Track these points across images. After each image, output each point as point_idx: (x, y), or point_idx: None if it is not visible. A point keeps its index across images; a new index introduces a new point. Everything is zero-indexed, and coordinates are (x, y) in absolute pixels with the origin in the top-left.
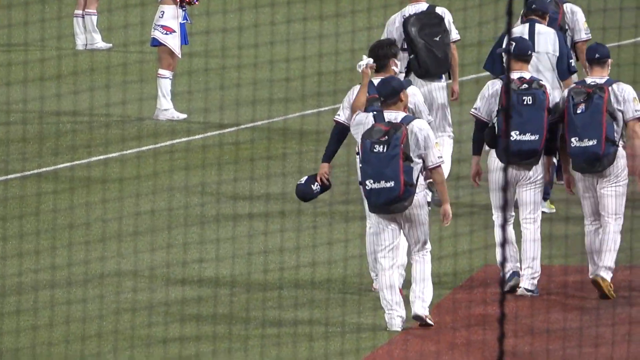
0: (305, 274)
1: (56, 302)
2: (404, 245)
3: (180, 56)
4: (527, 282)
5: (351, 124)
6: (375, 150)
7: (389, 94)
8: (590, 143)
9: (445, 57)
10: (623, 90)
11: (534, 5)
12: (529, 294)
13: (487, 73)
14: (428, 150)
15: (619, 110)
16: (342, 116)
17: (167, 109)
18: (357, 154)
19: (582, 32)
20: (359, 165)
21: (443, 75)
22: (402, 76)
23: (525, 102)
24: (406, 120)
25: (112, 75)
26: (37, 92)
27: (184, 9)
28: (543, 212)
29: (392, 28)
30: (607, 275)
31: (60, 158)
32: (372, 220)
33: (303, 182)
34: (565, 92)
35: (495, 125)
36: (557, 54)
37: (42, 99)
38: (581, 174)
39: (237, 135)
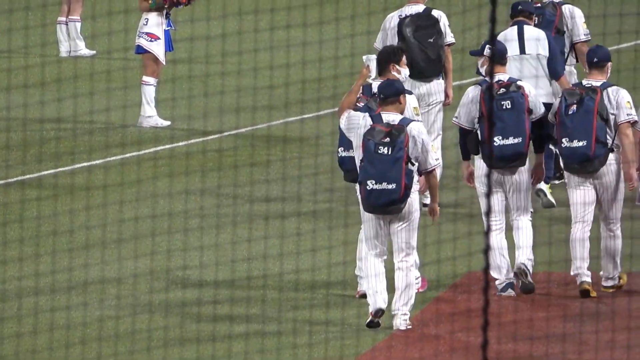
0: (289, 281)
1: (40, 309)
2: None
3: (165, 63)
4: (525, 261)
5: (342, 122)
6: (380, 151)
7: (391, 93)
8: (580, 144)
9: (438, 58)
10: (617, 94)
11: (519, 7)
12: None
13: (471, 79)
14: (426, 154)
15: (612, 114)
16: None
17: (150, 115)
18: (338, 153)
19: (581, 33)
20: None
21: (441, 75)
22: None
23: (504, 107)
24: (405, 123)
25: (95, 83)
26: (21, 99)
27: (167, 15)
28: (542, 190)
29: (388, 27)
30: (609, 283)
31: (44, 165)
32: (365, 217)
33: None
34: (560, 94)
35: (478, 131)
36: (547, 55)
37: (25, 106)
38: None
39: (221, 142)
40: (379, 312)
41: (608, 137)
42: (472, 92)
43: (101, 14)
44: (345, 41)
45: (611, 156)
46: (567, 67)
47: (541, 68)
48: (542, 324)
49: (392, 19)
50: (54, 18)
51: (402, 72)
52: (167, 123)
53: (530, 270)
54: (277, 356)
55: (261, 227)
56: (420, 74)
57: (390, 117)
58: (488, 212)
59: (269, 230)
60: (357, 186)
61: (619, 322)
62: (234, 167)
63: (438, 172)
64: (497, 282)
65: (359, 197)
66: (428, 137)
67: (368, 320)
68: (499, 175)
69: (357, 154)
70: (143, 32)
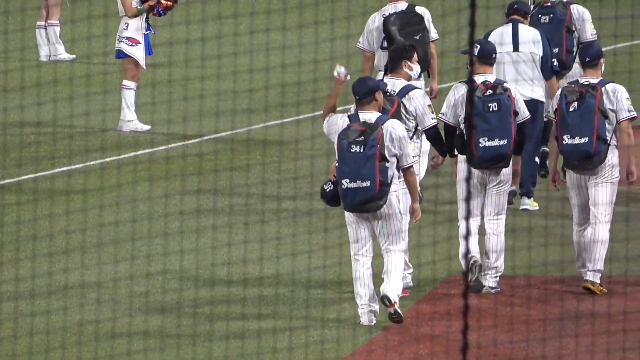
0: (269, 286)
1: (20, 313)
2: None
3: (145, 67)
4: (490, 281)
5: (324, 128)
6: (352, 150)
7: (364, 93)
8: (582, 141)
9: (424, 55)
10: (616, 91)
11: (515, 6)
12: (493, 291)
13: (450, 83)
14: (403, 150)
15: (612, 111)
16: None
17: (130, 120)
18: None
19: (588, 32)
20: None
21: (422, 74)
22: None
23: (490, 109)
24: (381, 121)
25: (75, 87)
26: (1, 104)
27: (146, 19)
28: (527, 210)
29: (372, 27)
30: (596, 279)
31: (24, 169)
32: (347, 218)
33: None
34: (559, 91)
35: (464, 131)
36: (541, 54)
37: (5, 110)
38: (573, 172)
39: (201, 146)
40: (385, 299)
41: (607, 133)
42: (460, 91)
43: (81, 18)
44: (325, 45)
45: (609, 150)
46: (575, 65)
47: (535, 67)
48: (522, 327)
49: (376, 19)
50: (33, 22)
51: (413, 69)
52: (147, 127)
53: (497, 275)
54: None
55: (241, 231)
56: None
57: (367, 115)
58: (467, 217)
59: (249, 234)
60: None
61: (599, 326)
62: (214, 171)
63: (423, 169)
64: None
65: None
66: (405, 134)
67: (388, 314)
68: (482, 175)
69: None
70: (123, 37)
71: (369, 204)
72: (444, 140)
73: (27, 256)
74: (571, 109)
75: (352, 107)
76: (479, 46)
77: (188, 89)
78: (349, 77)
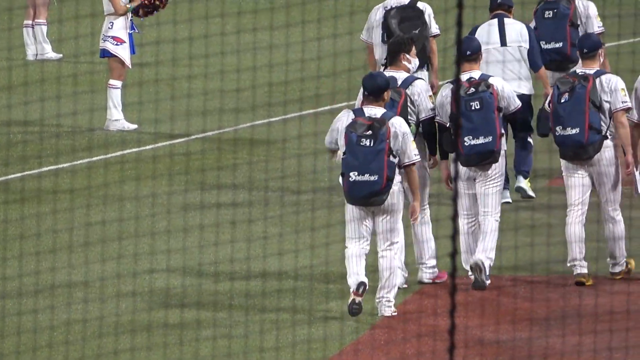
0: (256, 285)
1: (7, 312)
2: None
3: (130, 66)
4: (484, 258)
5: (326, 137)
6: (362, 143)
7: (374, 90)
8: (574, 131)
9: (423, 49)
10: (610, 81)
11: (498, 0)
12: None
13: (440, 82)
14: (406, 147)
15: (606, 101)
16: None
17: (117, 119)
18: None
19: (595, 24)
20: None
21: (424, 68)
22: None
23: (473, 107)
24: (387, 116)
25: (62, 86)
26: None
27: (130, 19)
28: (521, 189)
29: (373, 20)
30: (616, 269)
31: (11, 168)
32: (348, 210)
33: None
34: (554, 82)
35: (451, 130)
36: (528, 47)
37: None
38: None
39: (188, 145)
40: (361, 286)
41: (602, 124)
42: (445, 91)
43: (68, 17)
44: (312, 44)
45: (606, 143)
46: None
47: (523, 60)
48: (509, 327)
49: (378, 11)
50: (21, 22)
51: (412, 62)
52: (133, 126)
53: (487, 269)
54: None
55: (228, 230)
56: None
57: (373, 110)
58: (454, 217)
59: (236, 233)
60: (340, 179)
61: (586, 326)
62: (201, 171)
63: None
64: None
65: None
66: (409, 131)
67: (349, 302)
68: (472, 172)
69: (341, 149)
70: (109, 36)
71: (373, 197)
72: (437, 139)
73: (14, 255)
74: (562, 100)
75: (357, 102)
76: (463, 44)
77: (175, 88)
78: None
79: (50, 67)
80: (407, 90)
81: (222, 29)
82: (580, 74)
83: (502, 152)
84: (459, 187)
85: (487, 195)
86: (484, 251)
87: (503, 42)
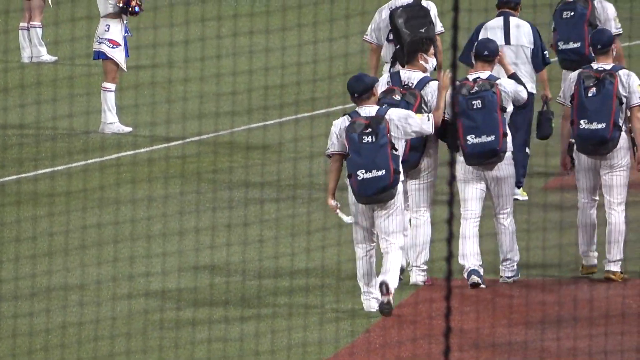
0: (251, 288)
1: (2, 315)
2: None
3: (125, 69)
4: (507, 271)
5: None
6: (364, 140)
7: (362, 90)
8: (600, 126)
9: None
10: (629, 77)
11: None
12: (510, 280)
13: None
14: (412, 121)
15: (624, 96)
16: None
17: (112, 122)
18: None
19: (613, 26)
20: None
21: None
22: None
23: (474, 107)
24: (382, 112)
25: (58, 89)
26: None
27: (125, 22)
28: (516, 199)
29: (380, 18)
30: (617, 268)
31: (7, 171)
32: (353, 210)
33: None
34: (575, 75)
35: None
36: (532, 47)
37: None
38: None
39: (184, 148)
40: (382, 286)
41: (621, 119)
42: (450, 91)
43: (64, 20)
44: (308, 48)
45: (621, 136)
46: None
47: (526, 59)
48: (504, 331)
49: (384, 11)
50: (17, 24)
51: (429, 61)
52: (128, 129)
53: (513, 265)
54: None
55: (223, 234)
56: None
57: (367, 110)
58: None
59: (231, 237)
60: (347, 180)
61: (581, 330)
62: (196, 174)
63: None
64: (464, 270)
65: (350, 191)
66: (407, 112)
67: (379, 303)
68: (479, 171)
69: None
70: (105, 39)
71: (384, 192)
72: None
73: (10, 258)
74: (590, 94)
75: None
76: (477, 43)
77: (171, 91)
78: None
79: (46, 70)
80: (421, 91)
81: (218, 32)
82: (601, 69)
83: (509, 153)
84: (467, 190)
85: (501, 191)
86: (509, 252)
87: (507, 42)
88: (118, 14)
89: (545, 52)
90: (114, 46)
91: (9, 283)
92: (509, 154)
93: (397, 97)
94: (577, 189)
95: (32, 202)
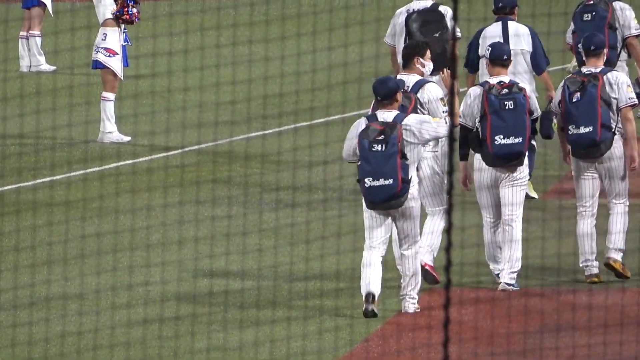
0: (250, 297)
1: (1, 324)
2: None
3: (122, 79)
4: (506, 277)
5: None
6: (374, 149)
7: (386, 94)
8: (587, 130)
9: (443, 53)
10: (617, 78)
11: (500, 4)
12: (510, 287)
13: None
14: (428, 126)
15: (614, 98)
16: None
17: (111, 131)
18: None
19: (632, 27)
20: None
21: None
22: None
23: (507, 107)
24: (399, 119)
25: (57, 98)
26: None
27: (124, 31)
28: (531, 198)
29: (396, 22)
30: (618, 256)
31: (6, 180)
32: (366, 216)
33: None
34: (562, 82)
35: (479, 130)
36: (531, 50)
37: None
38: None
39: (183, 157)
40: (369, 296)
41: (612, 121)
42: (474, 92)
43: (63, 29)
44: (306, 57)
45: (615, 138)
46: (618, 62)
47: (525, 63)
48: (503, 340)
49: (401, 14)
50: (16, 33)
51: (426, 66)
52: (127, 139)
53: (512, 271)
54: None
55: (223, 243)
56: None
57: (385, 114)
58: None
59: (230, 246)
60: (359, 185)
61: (579, 339)
62: (195, 183)
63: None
64: (495, 273)
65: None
66: (421, 117)
67: (363, 308)
68: (497, 171)
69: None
70: (101, 47)
71: (391, 201)
72: (460, 142)
73: (9, 267)
74: (574, 100)
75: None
76: (490, 48)
77: (170, 101)
78: None
79: (45, 79)
80: (417, 95)
81: (217, 41)
82: (588, 73)
83: (526, 160)
84: (482, 197)
85: (512, 197)
86: (509, 261)
87: (509, 54)
88: (115, 21)
89: (544, 53)
90: (111, 55)
91: (8, 292)
92: (526, 161)
93: None
94: (577, 197)
95: (31, 211)
